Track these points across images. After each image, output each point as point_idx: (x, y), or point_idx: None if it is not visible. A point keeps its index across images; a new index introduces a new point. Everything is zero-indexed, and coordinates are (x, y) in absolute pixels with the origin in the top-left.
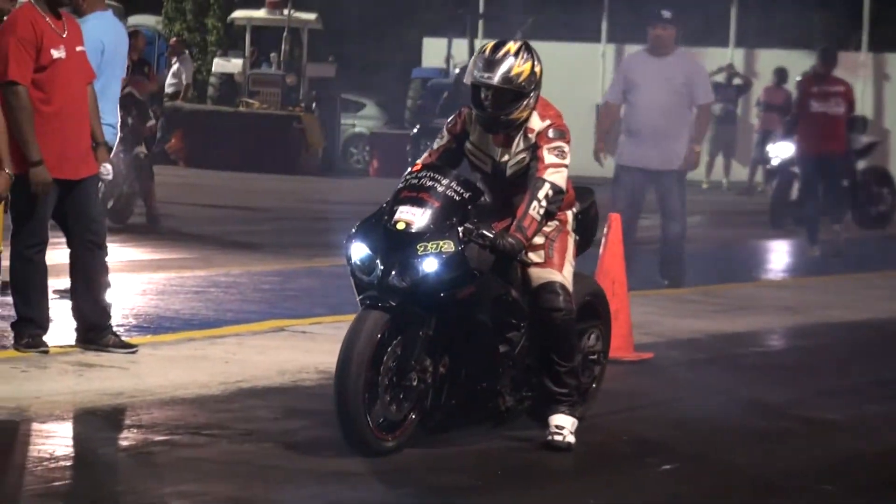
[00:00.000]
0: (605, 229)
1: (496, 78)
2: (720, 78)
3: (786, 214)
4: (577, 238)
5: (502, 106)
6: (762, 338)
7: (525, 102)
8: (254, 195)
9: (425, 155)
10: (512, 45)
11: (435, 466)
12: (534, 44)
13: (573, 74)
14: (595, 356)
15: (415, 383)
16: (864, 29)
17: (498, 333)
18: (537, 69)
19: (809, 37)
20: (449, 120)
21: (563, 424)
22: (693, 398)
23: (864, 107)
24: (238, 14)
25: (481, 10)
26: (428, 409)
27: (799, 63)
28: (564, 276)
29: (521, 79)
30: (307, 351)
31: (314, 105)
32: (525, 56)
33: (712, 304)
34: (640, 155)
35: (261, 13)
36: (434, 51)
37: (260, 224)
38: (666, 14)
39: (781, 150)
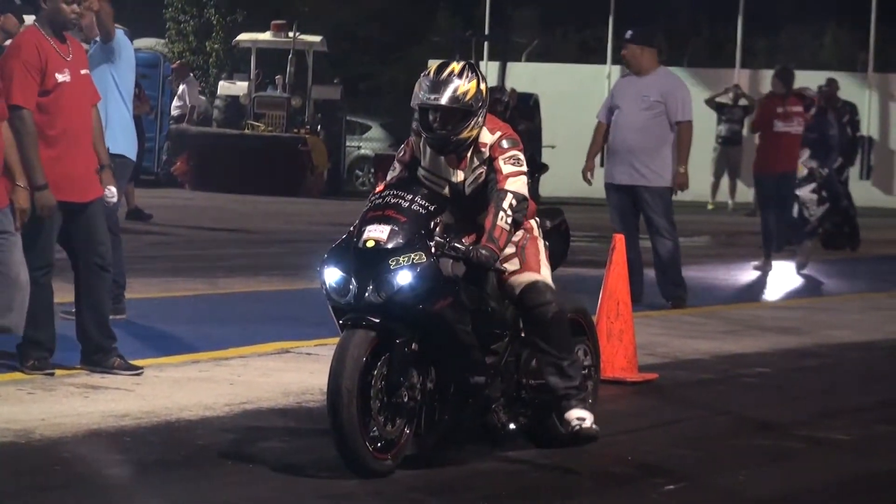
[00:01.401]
0: (610, 250)
1: (443, 99)
2: (726, 99)
3: (785, 236)
4: (548, 244)
5: (451, 126)
6: (767, 358)
7: (474, 121)
8: (259, 217)
9: (380, 187)
10: (455, 66)
11: (439, 488)
12: (540, 65)
13: (579, 96)
14: (586, 371)
15: (405, 400)
16: (871, 50)
17: (482, 345)
18: (483, 87)
19: (815, 58)
20: (399, 150)
21: (583, 416)
22: (698, 418)
23: (870, 127)
24: (243, 37)
25: (487, 31)
26: (422, 427)
27: (804, 84)
28: (543, 275)
29: (468, 97)
30: (312, 372)
31: (319, 127)
32: (469, 75)
33: (717, 324)
34: (621, 172)
35: (266, 36)
36: None
37: (265, 246)
38: (627, 34)
39: None
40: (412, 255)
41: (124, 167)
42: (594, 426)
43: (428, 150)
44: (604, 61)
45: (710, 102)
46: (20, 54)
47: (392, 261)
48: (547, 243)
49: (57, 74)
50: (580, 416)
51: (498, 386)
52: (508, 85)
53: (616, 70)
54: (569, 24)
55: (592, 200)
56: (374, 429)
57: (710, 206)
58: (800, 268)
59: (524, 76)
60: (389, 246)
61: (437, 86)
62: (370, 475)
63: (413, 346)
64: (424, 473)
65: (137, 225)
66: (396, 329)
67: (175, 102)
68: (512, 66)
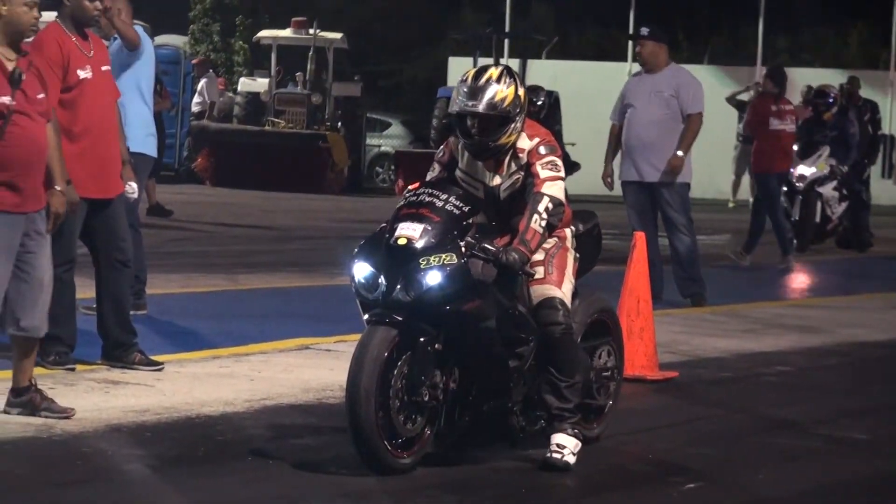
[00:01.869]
0: (631, 248)
1: (481, 105)
2: (747, 97)
3: (811, 235)
4: (578, 257)
5: (489, 133)
6: (787, 357)
7: (512, 127)
8: (279, 214)
9: (414, 185)
10: (494, 71)
11: (457, 486)
12: (561, 63)
13: (600, 93)
14: (609, 373)
15: (426, 399)
16: (893, 47)
17: (506, 348)
18: (521, 93)
19: (838, 55)
20: (438, 151)
21: (565, 444)
22: (718, 417)
23: (892, 125)
24: (264, 34)
25: (507, 29)
26: (441, 426)
27: (826, 82)
28: (563, 292)
29: (506, 104)
30: (331, 369)
31: (340, 124)
32: (508, 81)
33: (738, 323)
34: (637, 169)
35: (286, 33)
36: (460, 70)
37: (285, 243)
38: (643, 31)
39: (804, 172)
40: (443, 256)
41: (144, 163)
42: (571, 458)
43: (466, 152)
44: (622, 58)
45: (731, 100)
46: (42, 51)
47: (422, 260)
48: (577, 255)
49: (79, 71)
50: (560, 444)
51: (520, 389)
52: (528, 82)
53: (637, 68)
54: (588, 22)
55: (610, 198)
56: (394, 427)
57: (731, 205)
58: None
59: (544, 74)
60: (421, 245)
61: (475, 92)
62: (388, 473)
63: (437, 346)
64: (443, 471)
65: (158, 221)
66: (420, 328)
67: (195, 99)
68: (532, 64)
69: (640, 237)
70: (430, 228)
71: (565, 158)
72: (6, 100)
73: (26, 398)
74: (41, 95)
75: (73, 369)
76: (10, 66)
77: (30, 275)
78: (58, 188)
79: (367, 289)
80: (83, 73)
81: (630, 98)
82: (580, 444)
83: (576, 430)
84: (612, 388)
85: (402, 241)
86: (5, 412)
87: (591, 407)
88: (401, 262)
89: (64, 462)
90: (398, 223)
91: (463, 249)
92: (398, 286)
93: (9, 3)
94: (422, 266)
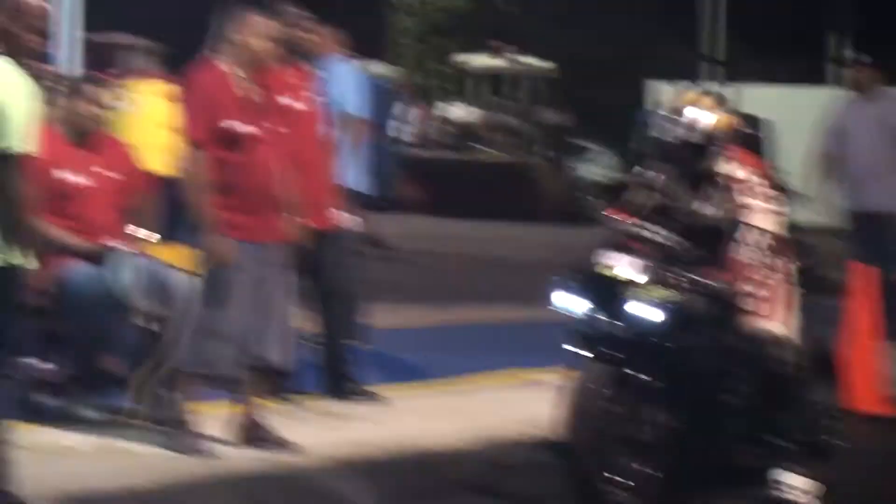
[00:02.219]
0: (851, 279)
1: (690, 132)
2: None
3: None
4: (801, 291)
5: (698, 160)
6: None
7: (721, 155)
8: (493, 243)
9: (624, 214)
10: (703, 99)
11: None
12: (764, 89)
13: (813, 120)
14: (829, 410)
15: (648, 438)
16: None
17: (725, 384)
18: (731, 121)
19: None
20: (647, 175)
21: (793, 483)
22: None
23: None
24: (470, 59)
25: (706, 54)
26: (665, 467)
27: None
28: (786, 327)
29: (716, 131)
30: (557, 405)
31: (549, 152)
32: (717, 108)
33: None
34: (862, 199)
35: (495, 61)
36: (662, 96)
37: (500, 273)
38: (865, 58)
39: None
40: (658, 290)
41: (359, 196)
42: (802, 497)
43: (675, 181)
44: (820, 83)
45: None
46: None
47: (637, 293)
48: (800, 290)
49: (283, 100)
50: (789, 483)
51: (740, 427)
52: (739, 109)
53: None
54: (793, 47)
55: (830, 228)
56: (614, 468)
57: None
58: None
59: (756, 101)
60: (633, 278)
61: (684, 119)
62: None
63: (657, 384)
64: None
65: (376, 252)
66: (639, 364)
67: (404, 127)
68: (742, 91)
69: (860, 268)
70: (642, 261)
71: (783, 188)
72: (252, 129)
73: (250, 431)
74: (278, 128)
75: (290, 400)
76: (254, 97)
77: (268, 305)
78: (296, 218)
79: (581, 322)
80: (288, 102)
81: (848, 125)
82: (810, 484)
83: (803, 470)
84: (833, 425)
85: (614, 274)
86: (230, 445)
87: (813, 445)
88: (614, 295)
89: (289, 496)
90: (609, 255)
91: (676, 282)
92: (612, 321)
93: (253, 35)
94: (637, 300)
